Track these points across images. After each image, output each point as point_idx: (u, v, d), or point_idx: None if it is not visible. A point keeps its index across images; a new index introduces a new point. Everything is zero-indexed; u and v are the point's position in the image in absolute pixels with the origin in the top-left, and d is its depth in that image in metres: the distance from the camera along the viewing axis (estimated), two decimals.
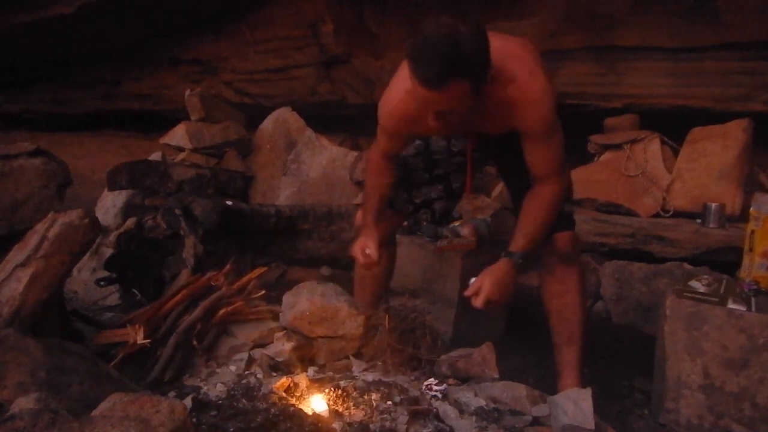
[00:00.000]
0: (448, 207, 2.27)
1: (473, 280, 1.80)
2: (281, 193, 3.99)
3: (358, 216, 2.15)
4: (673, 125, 3.58)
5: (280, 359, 1.82)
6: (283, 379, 1.59)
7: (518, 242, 1.78)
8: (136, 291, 2.39)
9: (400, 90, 1.73)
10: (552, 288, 1.95)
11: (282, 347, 1.86)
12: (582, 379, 1.92)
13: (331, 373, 1.78)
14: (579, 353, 1.93)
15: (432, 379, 1.68)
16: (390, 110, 1.81)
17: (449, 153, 2.13)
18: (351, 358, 1.90)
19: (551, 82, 1.70)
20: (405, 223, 2.71)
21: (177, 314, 1.87)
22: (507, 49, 1.66)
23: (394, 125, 1.85)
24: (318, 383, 1.62)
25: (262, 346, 1.90)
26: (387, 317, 1.84)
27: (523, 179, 1.92)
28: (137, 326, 1.74)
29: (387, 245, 2.16)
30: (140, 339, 1.71)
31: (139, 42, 5.95)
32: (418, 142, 2.15)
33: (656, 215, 3.37)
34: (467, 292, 1.78)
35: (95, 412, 1.12)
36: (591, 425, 1.55)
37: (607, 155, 3.75)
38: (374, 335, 1.86)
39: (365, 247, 1.93)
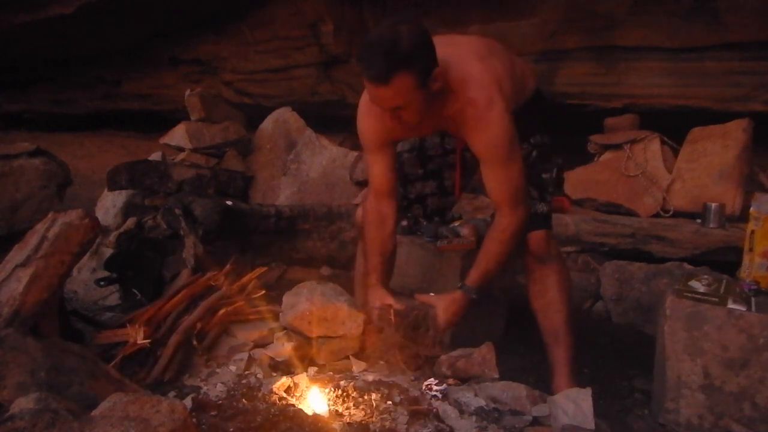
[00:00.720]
0: (442, 204, 2.27)
1: (430, 295, 1.93)
2: (281, 193, 3.99)
3: (359, 215, 2.14)
4: (673, 125, 3.58)
5: (280, 359, 1.82)
6: (283, 379, 1.59)
7: (472, 277, 1.85)
8: (136, 291, 2.39)
9: (365, 102, 1.82)
10: (534, 288, 1.98)
11: (282, 347, 1.86)
12: (574, 375, 1.93)
13: (331, 373, 1.78)
14: (567, 351, 1.94)
15: (432, 379, 1.68)
16: (364, 126, 1.89)
17: (443, 150, 2.15)
18: (351, 358, 1.90)
19: (509, 112, 1.70)
20: (405, 223, 2.71)
21: (177, 314, 1.87)
22: (469, 70, 1.71)
23: (373, 137, 1.89)
24: (318, 383, 1.62)
25: (262, 346, 1.90)
26: (392, 312, 1.84)
27: None
28: (137, 326, 1.75)
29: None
30: (140, 339, 1.71)
31: (139, 42, 5.94)
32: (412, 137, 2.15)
33: (656, 215, 3.38)
34: (417, 296, 1.91)
35: (95, 412, 1.12)
36: (591, 425, 1.55)
37: (607, 155, 3.76)
38: (379, 332, 1.85)
39: (388, 308, 1.86)
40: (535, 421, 1.59)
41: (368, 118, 1.85)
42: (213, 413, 1.41)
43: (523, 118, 1.90)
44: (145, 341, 1.71)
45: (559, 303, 1.94)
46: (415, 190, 2.17)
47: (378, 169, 1.94)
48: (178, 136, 4.01)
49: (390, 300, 1.88)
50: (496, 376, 1.80)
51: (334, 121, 4.99)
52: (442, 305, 1.85)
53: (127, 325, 1.79)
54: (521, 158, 1.77)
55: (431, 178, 2.17)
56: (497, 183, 1.77)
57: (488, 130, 1.69)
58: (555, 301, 1.94)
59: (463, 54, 1.76)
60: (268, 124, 4.33)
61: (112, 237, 3.04)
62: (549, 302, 1.94)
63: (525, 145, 1.92)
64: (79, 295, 2.83)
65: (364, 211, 2.03)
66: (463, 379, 1.80)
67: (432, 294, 1.94)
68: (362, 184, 3.73)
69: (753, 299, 1.82)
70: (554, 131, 2.04)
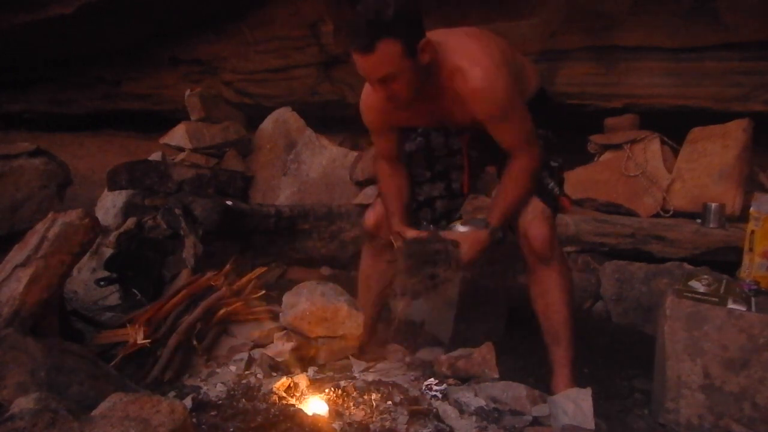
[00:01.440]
0: (450, 206, 2.27)
1: (459, 227, 1.92)
2: (281, 193, 3.99)
3: (369, 214, 2.13)
4: (673, 125, 3.58)
5: (280, 359, 1.81)
6: (283, 379, 1.59)
7: (495, 216, 1.86)
8: (136, 291, 2.39)
9: (367, 89, 1.86)
10: (535, 289, 1.97)
11: (282, 347, 1.86)
12: (574, 377, 1.92)
13: (331, 373, 1.78)
14: (568, 352, 1.93)
15: (432, 379, 1.69)
16: (365, 107, 1.92)
17: (448, 150, 2.14)
18: (351, 358, 1.90)
19: (501, 67, 1.70)
20: None
21: (177, 314, 1.87)
22: (452, 42, 1.73)
23: (375, 119, 1.93)
24: (318, 383, 1.62)
25: (262, 346, 1.90)
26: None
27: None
28: (137, 326, 1.75)
29: (392, 247, 2.16)
30: (140, 339, 1.71)
31: (139, 42, 5.94)
32: (419, 138, 2.14)
33: (656, 215, 3.37)
34: (443, 233, 1.87)
35: (95, 412, 1.12)
36: (591, 425, 1.55)
37: (607, 155, 3.75)
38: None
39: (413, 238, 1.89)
40: (535, 421, 1.60)
41: (370, 103, 1.89)
42: (213, 413, 1.41)
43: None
44: (145, 341, 1.71)
45: (561, 304, 1.93)
46: (424, 193, 2.16)
47: (385, 144, 2.00)
48: (178, 136, 4.01)
49: (414, 233, 1.90)
50: (496, 376, 1.81)
51: (334, 121, 4.99)
52: (468, 241, 1.83)
53: (127, 325, 1.80)
54: (524, 106, 1.79)
55: (439, 180, 2.16)
56: (508, 133, 1.79)
57: (481, 91, 1.69)
58: (556, 302, 1.93)
59: (458, 35, 1.79)
60: (268, 124, 4.33)
61: (112, 237, 3.04)
62: (550, 303, 1.93)
63: None
64: (79, 295, 2.83)
65: (376, 171, 2.11)
66: (463, 379, 1.80)
67: (457, 230, 1.93)
68: (362, 184, 3.73)
69: (753, 299, 1.82)
70: (558, 132, 2.04)
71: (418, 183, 2.15)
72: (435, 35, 1.71)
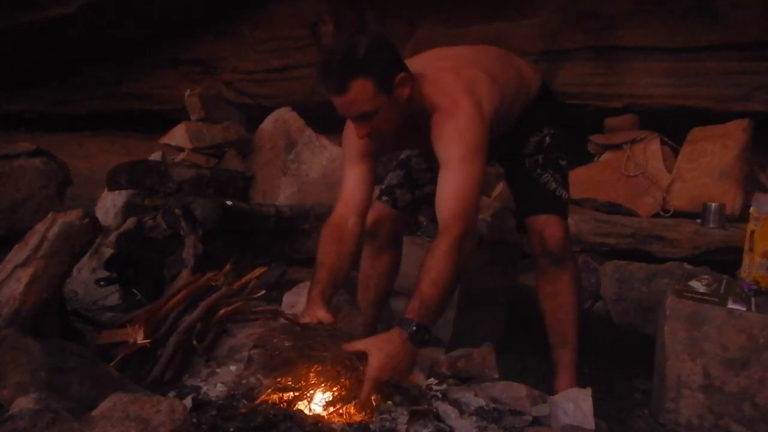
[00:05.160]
0: None
1: (363, 341, 1.51)
2: (281, 193, 3.99)
3: (368, 215, 1.97)
4: (673, 125, 3.58)
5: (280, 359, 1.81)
6: (284, 379, 1.59)
7: (413, 307, 1.49)
8: (136, 291, 2.39)
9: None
10: (545, 289, 1.94)
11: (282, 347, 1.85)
12: (577, 379, 1.92)
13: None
14: (573, 354, 1.93)
15: (432, 379, 1.68)
16: (346, 135, 1.86)
17: None
18: None
19: (480, 113, 1.62)
20: None
21: (177, 314, 1.87)
22: (440, 80, 1.68)
23: (352, 147, 1.83)
24: (318, 383, 1.61)
25: (262, 346, 1.89)
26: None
27: (524, 181, 1.95)
28: (137, 326, 1.74)
29: (393, 247, 2.15)
30: (140, 339, 1.71)
31: (139, 42, 5.95)
32: None
33: (656, 215, 3.38)
34: (347, 347, 1.50)
35: (95, 412, 1.12)
36: (591, 425, 1.55)
37: (607, 155, 3.76)
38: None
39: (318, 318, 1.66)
40: (535, 421, 1.59)
41: (350, 128, 1.80)
42: (213, 413, 1.41)
43: (532, 113, 1.92)
44: (145, 341, 1.71)
45: (571, 305, 1.92)
46: (425, 193, 2.16)
47: (352, 183, 1.85)
48: (178, 136, 4.01)
49: (325, 318, 1.65)
50: (496, 376, 1.80)
51: (334, 121, 5.00)
52: (376, 348, 1.45)
53: (127, 325, 1.79)
54: (482, 170, 1.62)
55: None
56: (449, 188, 1.59)
57: (447, 127, 1.63)
58: (566, 304, 1.91)
59: (439, 67, 1.75)
60: (268, 124, 4.33)
61: (112, 237, 3.04)
62: (560, 304, 1.92)
63: (537, 134, 1.93)
64: (79, 295, 2.83)
65: (326, 224, 1.88)
66: (463, 379, 1.80)
67: (368, 338, 1.57)
68: None
69: (753, 299, 1.82)
70: (563, 128, 2.01)
71: (419, 185, 2.15)
72: (426, 60, 1.70)
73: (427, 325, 1.49)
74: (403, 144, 1.90)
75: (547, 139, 1.93)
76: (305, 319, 1.66)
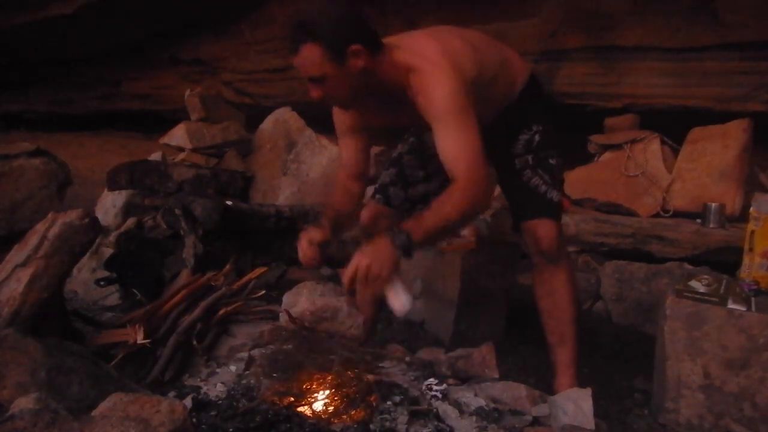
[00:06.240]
0: None
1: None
2: (281, 193, 3.99)
3: (363, 214, 2.13)
4: (673, 125, 3.58)
5: (280, 358, 1.81)
6: (284, 380, 1.59)
7: (409, 223, 1.61)
8: (136, 291, 2.39)
9: None
10: (541, 288, 1.96)
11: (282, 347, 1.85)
12: (577, 377, 1.92)
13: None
14: (572, 352, 1.93)
15: (432, 379, 1.68)
16: (334, 111, 1.95)
17: None
18: None
19: (454, 68, 1.65)
20: None
21: (177, 314, 1.87)
22: (408, 42, 1.74)
23: (340, 121, 1.95)
24: (318, 383, 1.62)
25: (262, 346, 1.89)
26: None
27: (516, 185, 1.95)
28: (137, 326, 1.74)
29: None
30: (140, 339, 1.71)
31: (139, 42, 5.95)
32: (411, 139, 2.14)
33: (656, 215, 3.38)
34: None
35: (95, 412, 1.12)
36: (591, 425, 1.55)
37: (607, 155, 3.76)
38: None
39: (308, 240, 1.82)
40: (535, 421, 1.59)
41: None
42: (213, 413, 1.41)
43: (521, 109, 1.92)
44: (145, 341, 1.71)
45: (567, 304, 1.93)
46: (417, 192, 2.16)
47: (348, 151, 1.98)
48: (178, 136, 4.01)
49: (318, 238, 1.81)
50: (496, 376, 1.80)
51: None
52: (365, 247, 1.61)
53: (127, 325, 1.79)
54: (475, 125, 1.64)
55: (434, 178, 2.16)
56: (449, 143, 1.63)
57: (432, 88, 1.64)
58: (563, 302, 1.92)
59: (417, 35, 1.79)
60: (268, 124, 4.33)
61: (112, 237, 3.04)
62: (557, 303, 1.93)
63: (526, 132, 1.92)
64: (79, 295, 2.83)
65: (334, 184, 2.05)
66: (463, 379, 1.80)
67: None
68: None
69: (753, 299, 1.82)
70: (555, 121, 2.00)
71: (412, 184, 2.15)
72: (398, 38, 1.74)
73: (413, 239, 1.56)
74: (388, 118, 1.90)
75: (537, 137, 1.92)
76: (302, 236, 1.82)
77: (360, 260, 1.54)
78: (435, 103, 1.64)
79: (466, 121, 1.62)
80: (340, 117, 1.93)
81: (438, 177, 2.16)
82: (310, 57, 1.62)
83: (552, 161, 1.95)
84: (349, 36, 1.63)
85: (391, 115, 1.86)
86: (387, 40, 1.73)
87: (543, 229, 1.89)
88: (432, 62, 1.65)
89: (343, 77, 1.65)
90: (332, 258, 1.87)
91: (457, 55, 1.69)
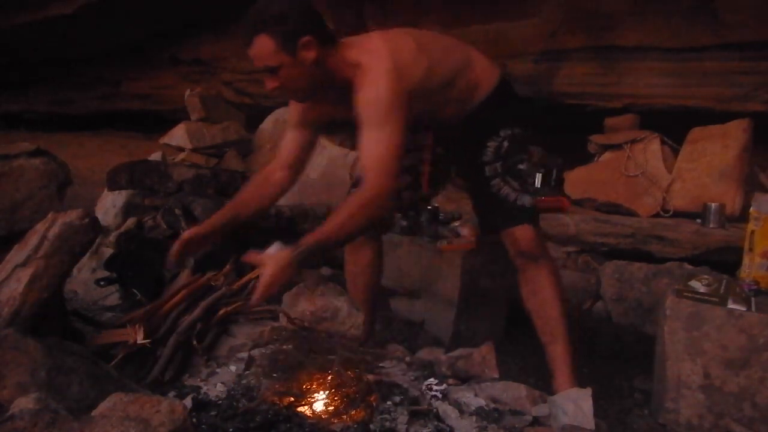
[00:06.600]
0: (416, 198, 2.26)
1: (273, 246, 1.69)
2: None
3: None
4: (673, 125, 3.58)
5: (280, 358, 1.81)
6: (284, 380, 1.59)
7: (310, 236, 1.67)
8: (136, 291, 2.39)
9: None
10: (526, 288, 1.99)
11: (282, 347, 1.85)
12: (574, 372, 1.93)
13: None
14: (565, 348, 1.94)
15: (432, 379, 1.68)
16: (290, 103, 2.01)
17: (416, 146, 2.14)
18: None
19: (399, 74, 1.69)
20: (404, 223, 2.71)
21: (177, 314, 1.87)
22: (359, 40, 1.80)
23: (294, 112, 1.99)
24: (318, 383, 1.61)
25: (262, 346, 1.89)
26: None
27: (485, 196, 1.97)
28: (137, 326, 1.74)
29: (369, 240, 2.18)
30: (140, 339, 1.71)
31: (139, 42, 5.95)
32: None
33: (656, 215, 3.38)
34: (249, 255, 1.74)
35: (95, 412, 1.12)
36: (591, 425, 1.55)
37: (607, 155, 3.76)
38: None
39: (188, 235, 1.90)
40: (535, 421, 1.59)
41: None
42: (213, 413, 1.41)
43: (488, 113, 1.93)
44: (144, 341, 1.71)
45: (554, 300, 1.95)
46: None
47: (289, 144, 2.02)
48: (178, 136, 4.01)
49: (190, 235, 1.89)
50: (496, 376, 1.80)
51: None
52: (269, 261, 1.65)
53: (127, 325, 1.79)
54: (400, 131, 1.67)
55: (407, 173, 2.18)
56: (367, 145, 1.68)
57: (368, 88, 1.69)
58: (549, 299, 1.95)
59: (371, 35, 1.85)
60: (268, 124, 4.34)
61: (112, 237, 3.04)
62: (543, 300, 1.95)
63: (495, 139, 1.93)
64: (79, 295, 2.83)
65: (258, 171, 2.12)
66: (463, 379, 1.79)
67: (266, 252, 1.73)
68: None
69: (753, 299, 1.82)
70: (527, 126, 2.01)
71: None
72: (353, 38, 1.82)
73: (315, 253, 1.68)
74: (339, 111, 1.93)
75: (505, 144, 1.94)
76: (185, 232, 1.91)
77: (271, 280, 1.63)
78: (365, 104, 1.69)
79: (389, 127, 1.67)
80: (294, 110, 1.98)
81: (411, 173, 2.18)
82: (262, 48, 1.68)
83: (521, 166, 1.96)
84: (300, 28, 1.68)
85: (342, 108, 1.88)
86: (343, 39, 1.80)
87: (519, 232, 1.92)
88: (375, 62, 1.70)
89: (295, 68, 1.70)
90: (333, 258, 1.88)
91: (404, 59, 1.74)
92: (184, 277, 2.38)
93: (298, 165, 2.05)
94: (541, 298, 1.95)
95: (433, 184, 2.22)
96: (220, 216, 1.98)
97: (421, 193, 2.24)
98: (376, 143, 1.67)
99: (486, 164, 1.94)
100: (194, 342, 1.78)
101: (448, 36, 2.03)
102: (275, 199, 2.09)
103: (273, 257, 1.66)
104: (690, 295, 1.84)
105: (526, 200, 1.94)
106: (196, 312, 1.85)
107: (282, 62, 1.69)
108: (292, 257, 1.63)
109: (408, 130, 2.09)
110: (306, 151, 2.05)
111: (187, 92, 4.20)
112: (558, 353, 1.94)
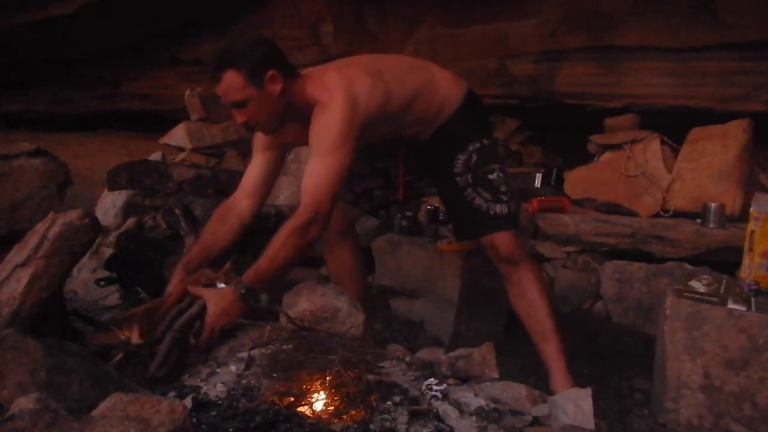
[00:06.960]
0: (387, 197, 2.31)
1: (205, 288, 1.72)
2: (281, 193, 3.99)
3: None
4: (673, 125, 3.58)
5: (280, 358, 1.81)
6: (284, 379, 1.59)
7: (249, 273, 1.74)
8: (140, 290, 2.39)
9: None
10: (513, 292, 2.03)
11: (282, 347, 1.85)
12: (570, 371, 1.94)
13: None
14: (557, 345, 1.96)
15: (432, 379, 1.68)
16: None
17: (389, 152, 2.21)
18: None
19: (353, 106, 1.76)
20: (404, 223, 2.71)
21: (176, 313, 1.87)
22: (317, 73, 1.88)
23: (258, 138, 2.05)
24: (318, 383, 1.61)
25: (262, 346, 1.89)
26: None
27: (459, 205, 2.02)
28: (133, 326, 1.74)
29: (344, 239, 2.22)
30: (135, 339, 1.71)
31: (139, 42, 5.95)
32: None
33: (656, 215, 3.37)
34: (191, 289, 1.75)
35: (95, 412, 1.12)
36: (591, 425, 1.55)
37: (607, 155, 3.75)
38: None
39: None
40: (535, 421, 1.59)
41: None
42: (213, 413, 1.41)
43: (457, 128, 1.99)
44: (139, 341, 1.71)
45: (540, 299, 1.98)
46: (362, 184, 2.22)
47: (252, 169, 2.07)
48: (178, 136, 4.01)
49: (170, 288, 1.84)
50: (496, 376, 1.80)
51: None
52: (213, 299, 1.70)
53: (123, 324, 1.79)
54: (343, 164, 1.75)
55: (379, 174, 2.23)
56: (310, 170, 1.76)
57: (320, 119, 1.77)
58: (535, 300, 1.98)
59: (325, 67, 1.93)
60: None
61: (112, 237, 3.04)
62: (530, 302, 1.99)
63: (463, 152, 1.98)
64: (79, 295, 2.83)
65: (219, 207, 2.09)
66: (463, 379, 1.79)
67: (210, 288, 1.77)
68: None
69: (753, 299, 1.82)
70: (492, 137, 2.10)
71: (359, 176, 2.22)
72: (311, 70, 1.90)
73: (257, 289, 1.72)
74: (300, 138, 1.96)
75: (474, 157, 1.98)
76: (169, 289, 1.85)
77: (215, 321, 1.67)
78: (315, 133, 1.77)
79: (334, 154, 1.74)
80: (258, 136, 2.03)
81: (383, 174, 2.26)
82: (231, 83, 1.75)
83: (491, 176, 1.99)
84: (265, 62, 1.76)
85: (305, 136, 1.92)
86: (303, 71, 1.88)
87: (497, 240, 1.97)
88: (329, 98, 1.77)
89: (263, 100, 1.77)
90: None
91: (358, 92, 1.79)
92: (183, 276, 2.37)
93: (263, 190, 2.08)
94: (528, 299, 1.99)
95: (408, 191, 2.28)
96: (184, 266, 1.94)
97: (397, 198, 2.29)
98: (319, 168, 1.75)
99: (458, 175, 1.99)
100: (192, 341, 1.78)
101: (410, 58, 2.12)
102: (242, 230, 2.08)
103: (216, 294, 1.71)
104: (690, 295, 1.84)
105: (499, 208, 1.98)
106: (194, 309, 1.85)
107: (250, 96, 1.75)
108: (234, 294, 1.69)
109: (357, 158, 2.14)
110: (269, 175, 2.08)
111: (187, 92, 4.19)
112: (551, 352, 1.96)
